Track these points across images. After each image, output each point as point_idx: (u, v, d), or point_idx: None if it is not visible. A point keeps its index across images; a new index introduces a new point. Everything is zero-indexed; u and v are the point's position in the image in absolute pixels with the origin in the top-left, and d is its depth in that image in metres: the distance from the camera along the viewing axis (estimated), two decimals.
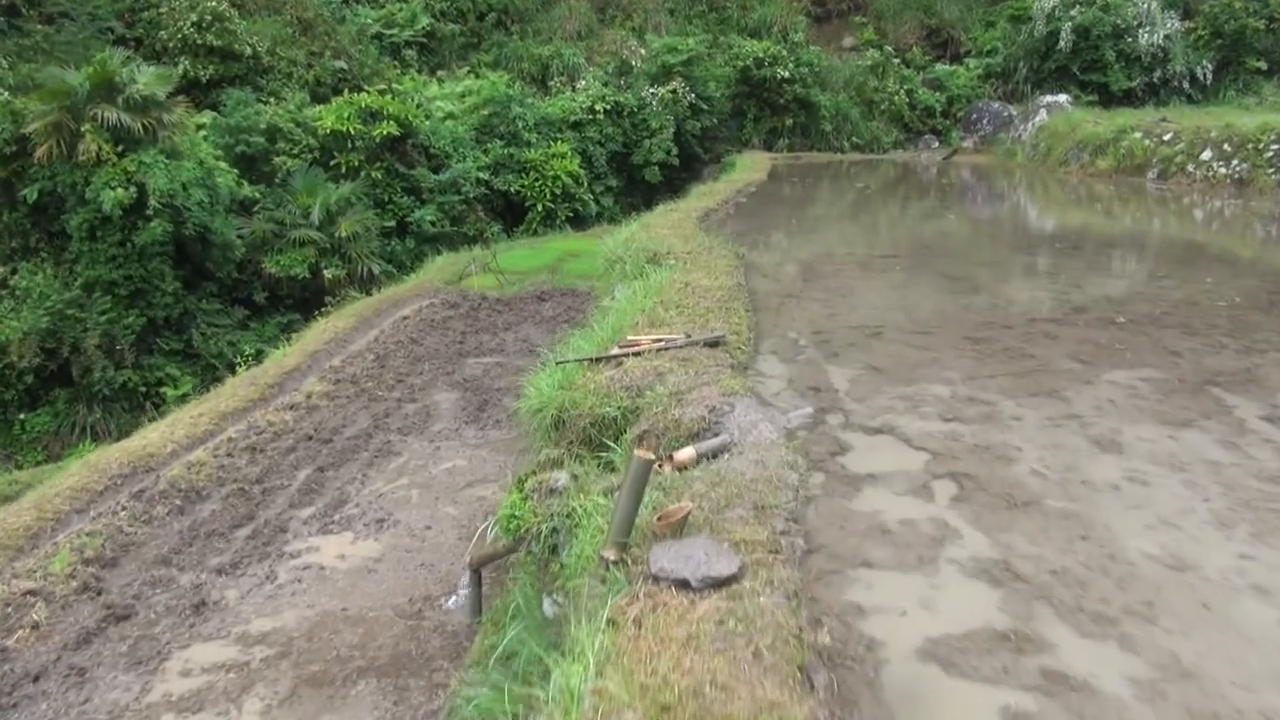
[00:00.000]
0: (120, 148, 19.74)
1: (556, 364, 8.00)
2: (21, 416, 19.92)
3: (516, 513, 6.03)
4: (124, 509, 10.18)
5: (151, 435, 12.08)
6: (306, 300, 22.65)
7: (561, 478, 5.96)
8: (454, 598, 8.56)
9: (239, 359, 17.03)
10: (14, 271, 20.53)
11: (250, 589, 8.89)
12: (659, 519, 4.75)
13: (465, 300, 18.37)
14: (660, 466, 6.12)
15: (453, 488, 10.94)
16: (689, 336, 8.03)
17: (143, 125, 19.74)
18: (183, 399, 17.67)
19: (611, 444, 6.95)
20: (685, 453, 6.12)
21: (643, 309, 9.29)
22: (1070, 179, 21.91)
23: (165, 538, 9.79)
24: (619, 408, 7.11)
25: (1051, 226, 16.93)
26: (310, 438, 12.16)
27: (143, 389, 20.61)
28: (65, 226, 20.15)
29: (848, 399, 6.90)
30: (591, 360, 7.96)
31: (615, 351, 7.96)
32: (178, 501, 10.39)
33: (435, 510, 10.38)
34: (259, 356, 18.00)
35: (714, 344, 7.87)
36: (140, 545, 9.62)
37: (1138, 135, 21.06)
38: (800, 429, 6.35)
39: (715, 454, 6.15)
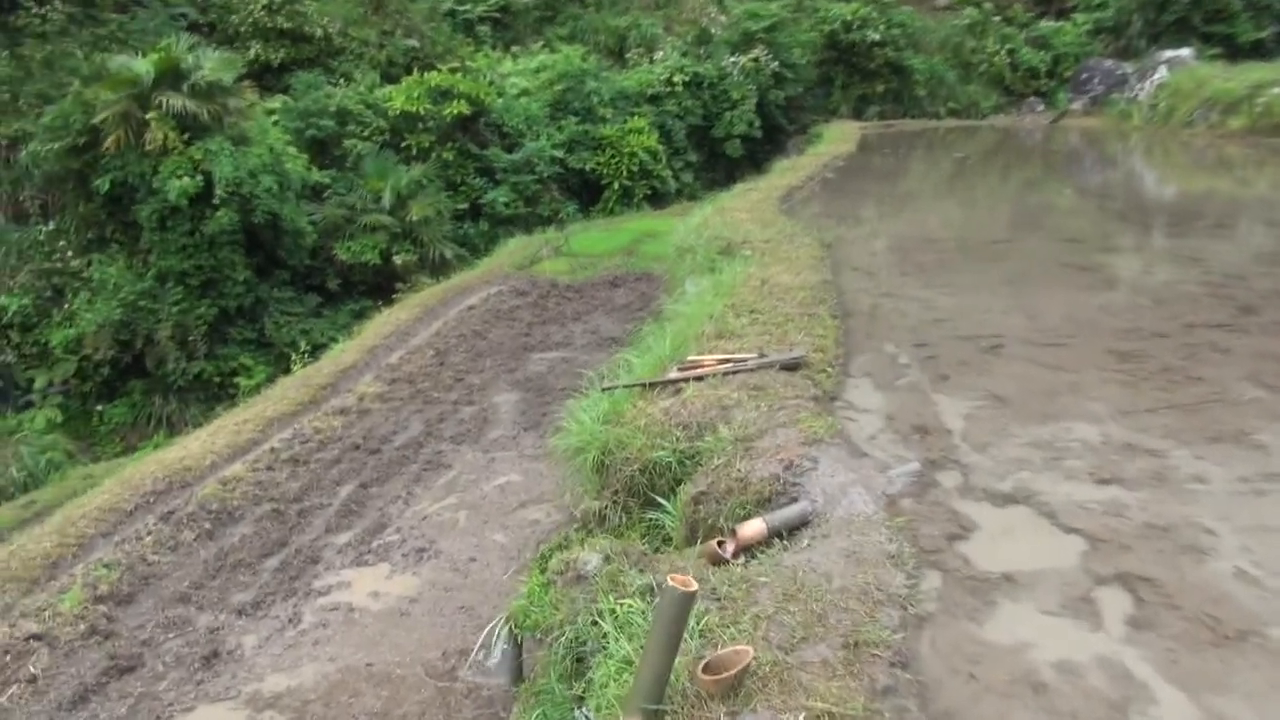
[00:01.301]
0: (187, 136, 18.91)
1: (603, 390, 6.51)
2: (100, 408, 19.44)
3: (535, 604, 4.60)
4: (150, 533, 9.13)
5: (192, 445, 11.05)
6: (379, 286, 21.66)
7: (592, 561, 4.49)
8: (493, 656, 7.21)
9: (294, 355, 15.97)
10: (89, 264, 19.99)
11: (270, 635, 7.71)
12: (704, 669, 3.25)
13: (534, 287, 17.02)
14: (721, 546, 4.62)
15: (504, 508, 9.61)
16: (763, 356, 6.45)
17: (208, 112, 18.86)
18: (257, 389, 16.81)
19: (663, 500, 5.46)
20: (752, 527, 4.60)
21: (710, 315, 7.73)
22: (1197, 142, 19.35)
23: (189, 568, 8.69)
24: (674, 452, 5.62)
25: (1186, 199, 14.66)
26: (358, 447, 10.98)
27: (217, 379, 19.92)
28: (137, 217, 19.50)
29: (965, 445, 5.26)
30: (645, 385, 6.45)
31: (674, 375, 6.45)
32: (207, 525, 9.29)
33: (482, 538, 9.06)
34: (316, 351, 16.99)
35: (793, 366, 6.28)
36: (161, 578, 8.54)
37: (1277, 91, 18.40)
38: (904, 493, 4.76)
39: (791, 529, 4.61)
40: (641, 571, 4.36)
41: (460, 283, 17.48)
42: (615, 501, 5.80)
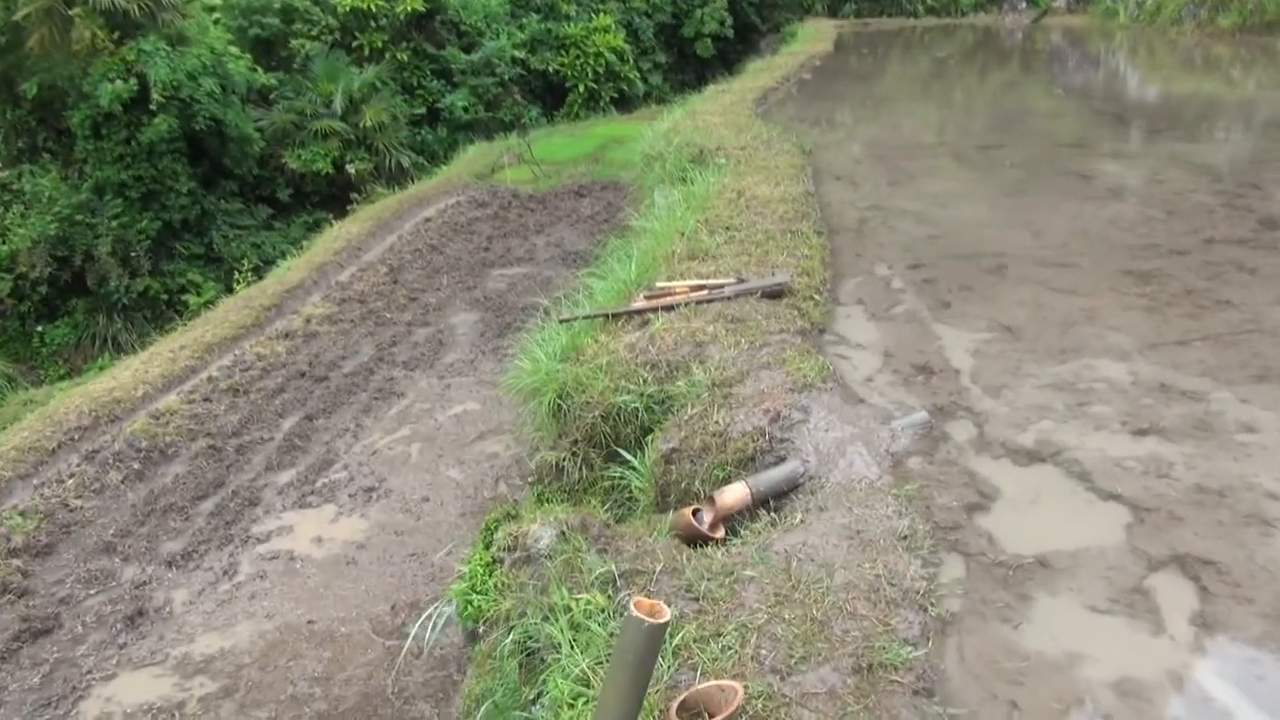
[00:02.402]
0: (117, 35, 17.37)
1: (560, 322, 5.67)
2: (40, 329, 18.30)
3: (477, 588, 3.84)
4: (72, 475, 8.28)
5: (122, 375, 10.11)
6: (333, 197, 20.43)
7: (544, 537, 3.73)
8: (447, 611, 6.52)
9: (238, 273, 14.90)
10: (20, 175, 18.59)
11: (202, 589, 6.96)
12: (680, 709, 2.52)
13: (495, 198, 15.95)
14: (697, 516, 3.87)
15: (460, 441, 8.84)
16: (741, 281, 5.62)
17: (140, 8, 17.28)
18: (206, 306, 15.77)
19: (629, 455, 4.69)
20: (734, 493, 3.84)
21: (681, 232, 6.85)
22: (1185, 41, 18.36)
23: (115, 514, 7.88)
24: (641, 396, 4.82)
25: (1182, 101, 13.75)
26: (303, 375, 10.10)
27: (164, 297, 18.82)
28: (69, 125, 18.05)
29: (976, 389, 4.50)
30: (608, 316, 5.62)
31: (640, 304, 5.61)
32: (136, 465, 8.45)
33: (436, 474, 8.31)
34: (267, 265, 15.92)
35: (776, 293, 5.46)
36: (83, 526, 7.73)
37: None
38: (910, 449, 4.01)
39: (779, 494, 3.86)
40: (602, 553, 3.60)
41: (417, 193, 16.35)
42: (574, 453, 5.02)
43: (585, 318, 5.60)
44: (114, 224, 17.89)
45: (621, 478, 4.61)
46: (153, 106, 17.18)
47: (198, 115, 17.75)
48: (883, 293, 5.79)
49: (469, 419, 9.18)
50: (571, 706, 2.86)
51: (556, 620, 3.28)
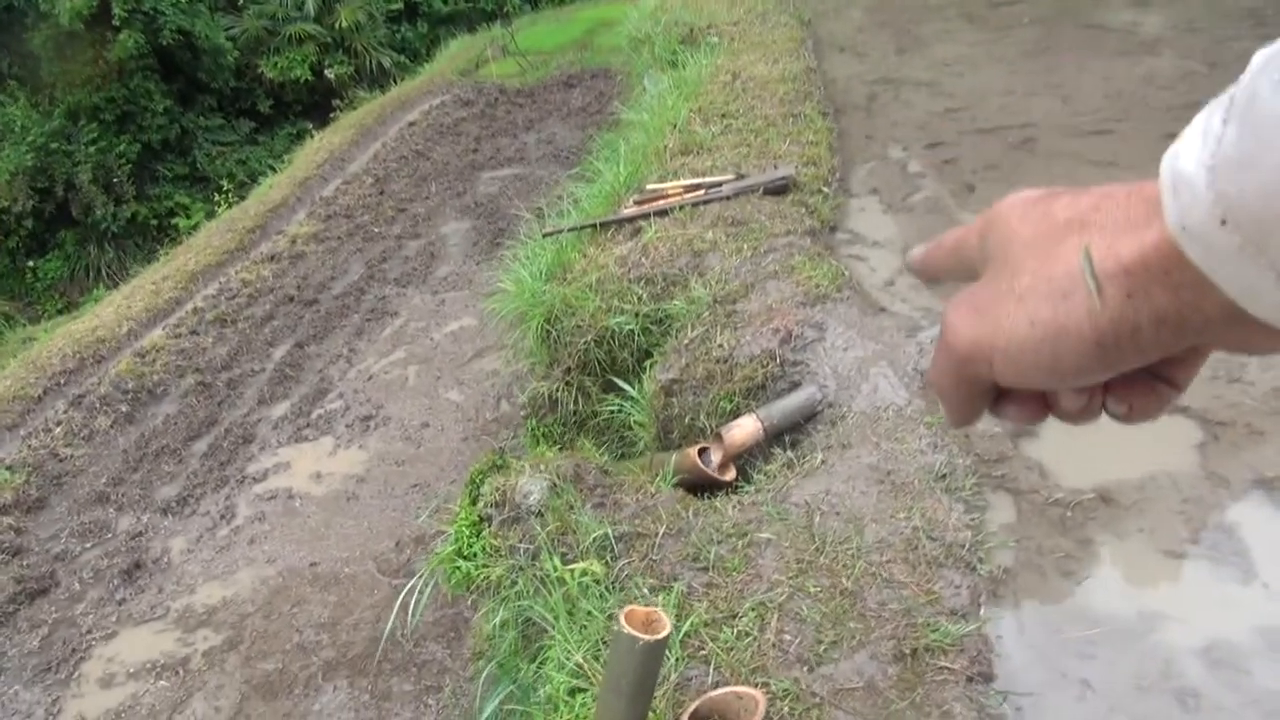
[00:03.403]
0: None
1: (545, 236, 5.11)
2: (31, 264, 17.82)
3: (464, 552, 3.42)
4: (60, 423, 7.91)
5: (105, 312, 9.66)
6: (316, 106, 19.55)
7: (534, 492, 3.28)
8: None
9: (218, 194, 14.23)
10: None
11: (200, 535, 6.64)
12: None
13: (481, 95, 15.07)
14: (704, 456, 3.41)
15: (457, 360, 8.37)
16: (741, 177, 5.02)
17: None
18: (196, 229, 15.19)
19: (625, 384, 4.21)
20: (744, 427, 3.37)
21: (673, 123, 6.19)
22: None
23: (107, 461, 7.53)
24: (636, 316, 4.30)
25: None
26: (291, 299, 9.59)
27: (154, 222, 18.25)
28: (31, 47, 17.13)
29: None
30: (596, 226, 5.05)
31: (630, 210, 5.03)
32: (124, 407, 8.06)
33: (435, 397, 7.88)
34: (246, 187, 15.24)
35: (780, 189, 4.86)
36: (75, 476, 7.39)
37: None
38: None
39: (793, 424, 3.39)
40: (599, 508, 3.16)
41: (399, 96, 15.47)
42: (568, 383, 4.54)
43: (571, 229, 5.04)
44: (92, 150, 17.17)
45: (620, 410, 4.14)
46: (115, 22, 16.20)
47: (164, 28, 16.77)
48: (899, 179, 5.18)
49: (466, 336, 8.69)
50: (568, 703, 2.45)
51: (550, 594, 2.85)
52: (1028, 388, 0.55)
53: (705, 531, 2.78)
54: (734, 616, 2.42)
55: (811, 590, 2.44)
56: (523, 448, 5.25)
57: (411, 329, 8.94)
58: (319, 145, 13.59)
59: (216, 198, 14.25)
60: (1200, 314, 0.45)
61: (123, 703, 5.45)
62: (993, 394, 0.58)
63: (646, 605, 2.00)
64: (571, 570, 2.87)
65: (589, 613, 2.71)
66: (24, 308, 17.60)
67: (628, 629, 1.85)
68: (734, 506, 2.92)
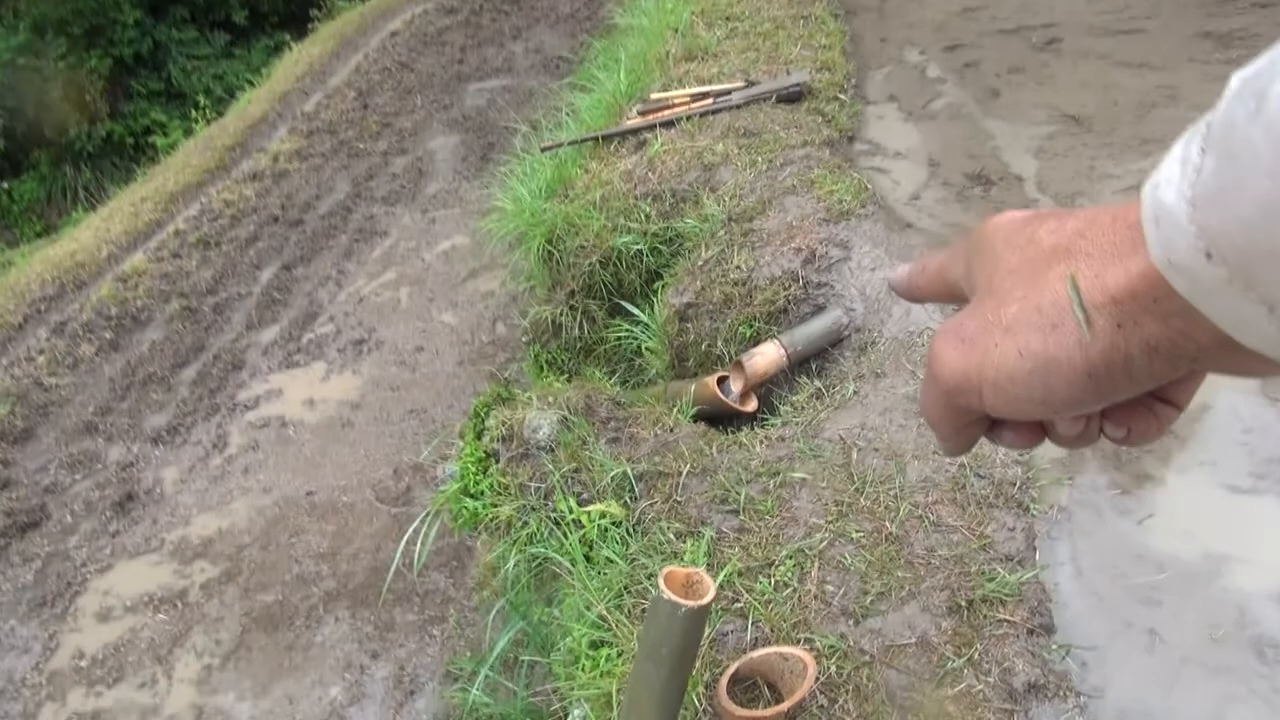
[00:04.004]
0: None
1: (543, 151, 4.79)
2: (5, 186, 17.24)
3: (470, 489, 3.21)
4: (43, 351, 7.63)
5: (84, 235, 9.29)
6: (293, 16, 18.70)
7: (543, 427, 3.06)
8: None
9: (195, 111, 13.65)
10: None
11: (193, 465, 6.44)
12: (730, 686, 1.92)
13: (465, 2, 14.39)
14: (723, 386, 3.20)
15: (451, 280, 8.08)
16: (751, 84, 4.69)
17: None
18: (174, 147, 14.65)
19: (634, 308, 3.96)
20: (766, 355, 3.14)
21: (675, 28, 5.80)
22: None
23: (94, 389, 7.28)
24: (644, 235, 4.03)
25: None
26: (276, 219, 9.22)
27: (130, 140, 17.62)
28: None
29: (1047, 199, 3.69)
30: (598, 139, 4.73)
31: (634, 121, 4.71)
32: (109, 334, 7.77)
33: (428, 320, 7.61)
34: (222, 103, 14.65)
35: (793, 96, 4.54)
36: (61, 405, 7.14)
37: None
38: None
39: (818, 351, 3.16)
40: (614, 442, 2.95)
41: (380, 4, 14.77)
42: (572, 307, 4.28)
43: (571, 143, 4.72)
44: (61, 65, 16.45)
45: (629, 335, 3.90)
46: None
47: None
48: (918, 84, 4.85)
49: (458, 255, 8.38)
50: (591, 657, 2.27)
51: (566, 537, 2.66)
52: (1020, 418, 0.54)
53: (733, 470, 2.57)
54: (770, 565, 2.23)
55: (853, 535, 2.24)
56: (524, 375, 5.03)
57: (402, 249, 8.61)
58: (298, 57, 13.00)
59: (194, 114, 13.65)
60: (1193, 342, 0.44)
61: (121, 636, 5.32)
62: (985, 423, 0.57)
63: (680, 564, 1.79)
64: (588, 512, 2.67)
65: (609, 558, 2.52)
66: (2, 231, 17.11)
67: (668, 594, 1.64)
68: (762, 442, 2.71)
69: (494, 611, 3.65)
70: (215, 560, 5.73)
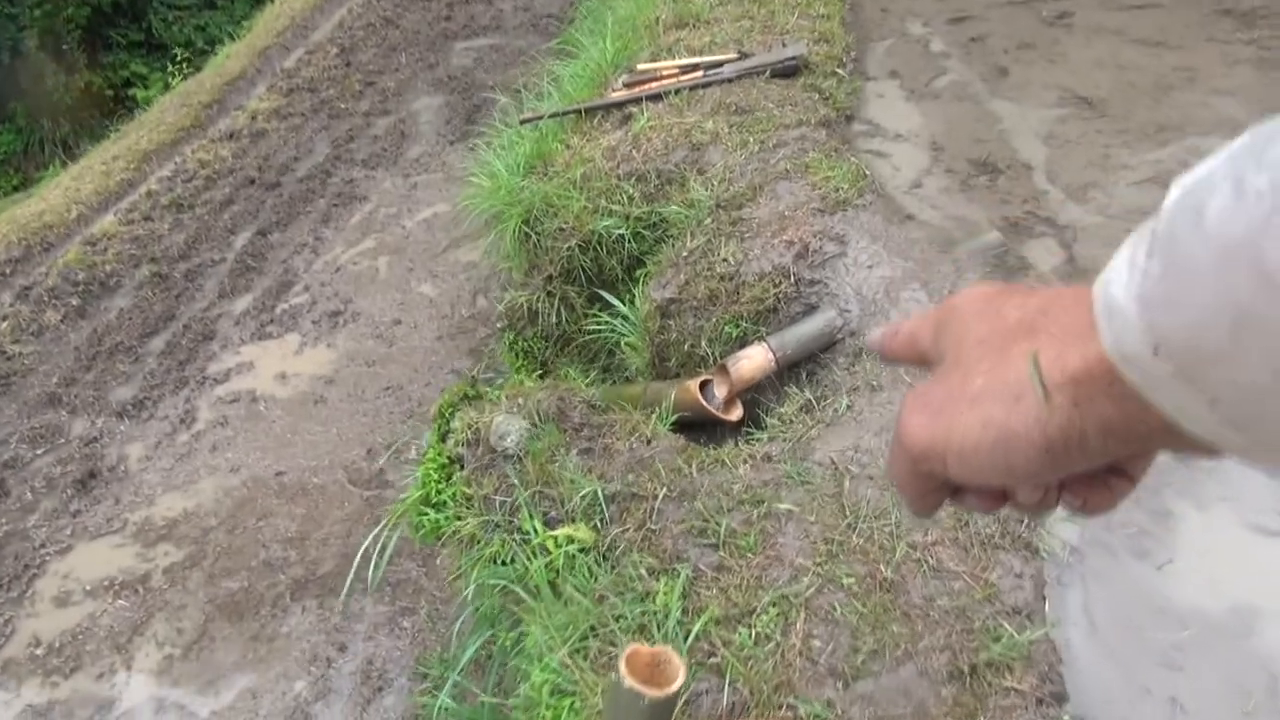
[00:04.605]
0: None
1: (522, 124, 4.49)
2: None
3: (434, 499, 2.98)
4: (6, 318, 7.32)
5: (52, 196, 8.92)
6: None
7: (511, 433, 2.81)
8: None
9: (171, 65, 13.21)
10: None
11: (159, 441, 6.18)
12: None
13: None
14: (706, 390, 2.95)
15: (431, 250, 7.78)
16: (744, 56, 4.39)
17: None
18: (154, 100, 14.20)
19: (615, 299, 3.69)
20: (753, 358, 2.90)
21: None
22: None
23: (58, 359, 6.99)
24: (627, 219, 3.76)
25: None
26: (253, 182, 8.87)
27: (109, 92, 17.13)
28: None
29: (1056, 190, 3.43)
30: (581, 112, 4.43)
31: (619, 94, 4.41)
32: (75, 301, 7.46)
33: (407, 291, 7.32)
34: (203, 55, 14.18)
35: (788, 70, 4.25)
36: (24, 375, 6.86)
37: None
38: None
39: (808, 355, 2.92)
40: (586, 454, 2.70)
41: None
42: (549, 292, 4.02)
43: (552, 116, 4.42)
44: (37, 13, 15.91)
45: (609, 329, 3.64)
46: None
47: None
48: (921, 59, 4.55)
49: (440, 223, 8.07)
50: (552, 709, 2.05)
51: (530, 561, 2.43)
52: (983, 486, 0.56)
53: (713, 496, 2.33)
54: (751, 613, 2.00)
55: (844, 581, 2.01)
56: (500, 361, 4.77)
57: (381, 216, 8.29)
58: (279, 10, 12.53)
59: (170, 68, 13.20)
60: (1144, 425, 0.46)
61: (80, 623, 5.10)
62: (949, 488, 0.59)
63: (652, 646, 1.56)
64: (555, 537, 2.44)
65: (576, 589, 2.28)
66: None
67: (630, 681, 1.41)
68: (746, 462, 2.47)
69: (459, 621, 3.44)
70: (179, 543, 5.50)
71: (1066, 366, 0.47)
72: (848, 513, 2.19)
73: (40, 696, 4.73)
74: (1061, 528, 2.18)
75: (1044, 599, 2.01)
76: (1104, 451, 0.48)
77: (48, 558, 5.51)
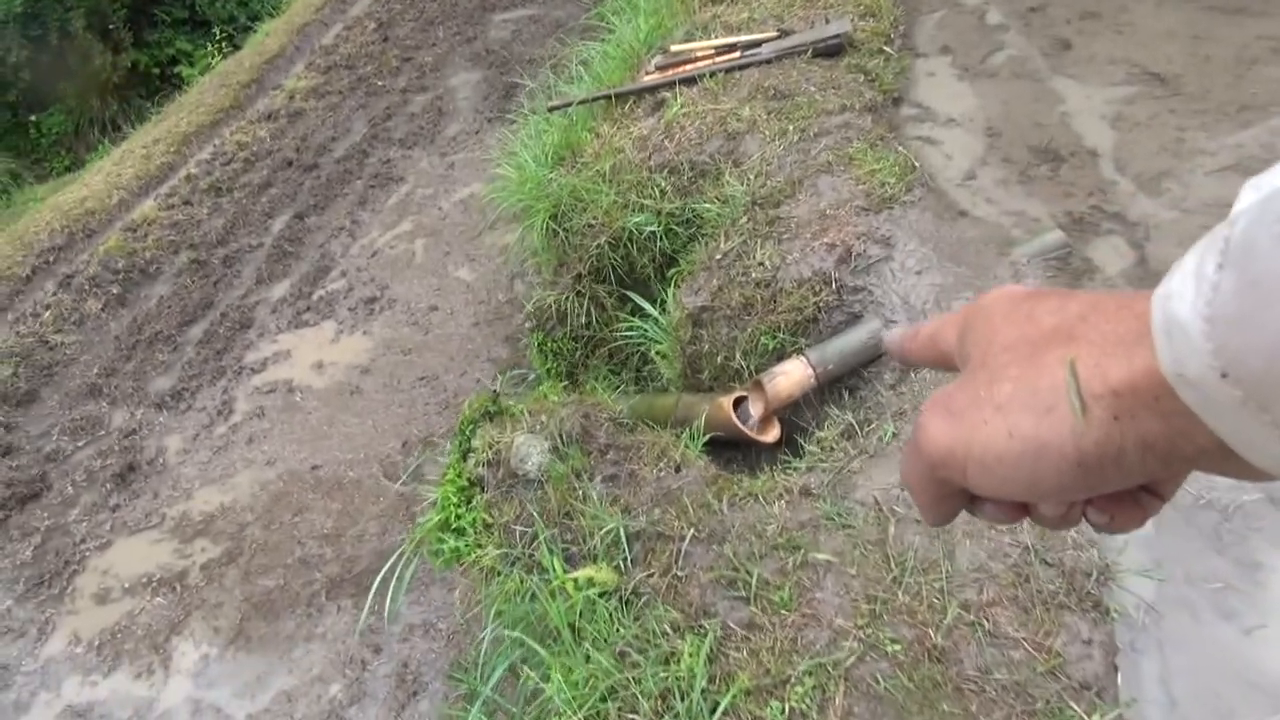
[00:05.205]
0: None
1: (550, 111, 4.26)
2: (33, 118, 16.92)
3: (454, 523, 2.82)
4: (49, 307, 7.33)
5: (94, 181, 8.92)
6: None
7: (532, 455, 2.64)
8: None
9: (211, 44, 13.15)
10: None
11: (197, 433, 6.14)
12: None
13: None
14: (740, 409, 2.74)
15: (468, 232, 7.60)
16: (783, 34, 4.10)
17: None
18: (200, 77, 14.20)
19: (646, 303, 3.48)
20: (791, 375, 2.68)
21: None
22: None
23: (99, 349, 6.98)
24: (658, 215, 3.53)
25: None
26: (290, 164, 8.77)
27: (156, 71, 17.19)
28: None
29: (1126, 181, 3.12)
30: (611, 98, 4.19)
31: (651, 77, 4.16)
32: (115, 289, 7.45)
33: (444, 276, 7.17)
34: (246, 32, 14.09)
35: (832, 50, 3.96)
36: (66, 365, 6.86)
37: None
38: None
39: (850, 370, 2.69)
40: (611, 481, 2.52)
41: None
42: (579, 292, 3.81)
43: (581, 103, 4.18)
44: None
45: (640, 333, 3.43)
46: None
47: None
48: (975, 33, 4.22)
49: (476, 204, 7.88)
50: None
51: (549, 603, 2.25)
52: (1003, 499, 0.52)
53: (745, 539, 2.13)
54: (784, 683, 1.80)
55: (889, 648, 1.80)
56: (528, 361, 4.59)
57: (418, 197, 8.13)
58: None
59: (209, 47, 13.15)
60: (1191, 444, 0.42)
61: (118, 621, 5.08)
62: (966, 497, 0.55)
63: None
64: (575, 579, 2.26)
65: (598, 636, 2.11)
66: (31, 165, 16.90)
67: None
68: (781, 497, 2.26)
69: (485, 637, 3.29)
70: (216, 539, 5.45)
71: (1108, 376, 0.44)
72: (893, 564, 1.97)
73: (80, 696, 4.72)
74: (1135, 583, 1.94)
75: (1116, 669, 1.78)
76: (1143, 470, 0.45)
77: (88, 554, 5.50)
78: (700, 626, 1.95)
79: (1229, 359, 0.38)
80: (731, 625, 1.95)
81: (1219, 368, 0.38)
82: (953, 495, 0.54)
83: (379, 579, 3.18)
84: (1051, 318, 0.49)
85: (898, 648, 1.81)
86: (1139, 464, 0.44)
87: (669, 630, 1.97)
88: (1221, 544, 2.01)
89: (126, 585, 5.29)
